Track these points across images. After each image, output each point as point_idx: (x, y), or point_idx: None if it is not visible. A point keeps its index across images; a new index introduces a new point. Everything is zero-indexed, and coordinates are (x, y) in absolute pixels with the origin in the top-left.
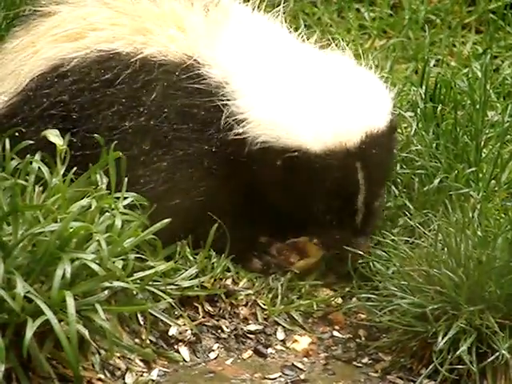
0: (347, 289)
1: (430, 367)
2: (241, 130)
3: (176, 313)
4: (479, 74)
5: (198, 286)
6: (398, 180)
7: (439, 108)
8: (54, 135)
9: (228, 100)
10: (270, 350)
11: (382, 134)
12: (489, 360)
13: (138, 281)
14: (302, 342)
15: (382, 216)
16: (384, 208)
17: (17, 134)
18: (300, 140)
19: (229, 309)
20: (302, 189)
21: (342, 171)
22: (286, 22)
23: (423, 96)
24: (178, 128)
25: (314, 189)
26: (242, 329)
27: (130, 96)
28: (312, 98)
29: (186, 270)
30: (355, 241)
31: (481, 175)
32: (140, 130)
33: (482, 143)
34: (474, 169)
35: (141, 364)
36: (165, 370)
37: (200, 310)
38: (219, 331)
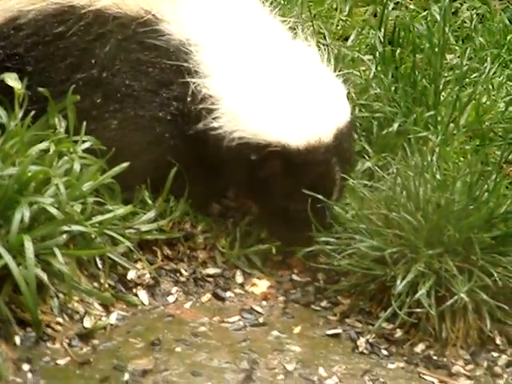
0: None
1: (389, 310)
2: (214, 124)
3: (135, 256)
4: (438, 17)
5: (156, 230)
6: (357, 124)
7: (398, 51)
8: (12, 79)
9: (195, 72)
10: (228, 294)
11: (347, 128)
12: (447, 303)
13: (97, 224)
14: (261, 285)
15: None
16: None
17: None
18: (280, 135)
19: (187, 252)
20: (277, 184)
21: (322, 167)
22: None
23: (382, 39)
24: (130, 84)
25: (290, 186)
26: (200, 272)
27: (83, 48)
28: (287, 90)
29: (145, 214)
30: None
31: (439, 118)
32: (91, 81)
33: (441, 86)
34: (432, 112)
35: (99, 308)
36: (123, 313)
37: (159, 253)
38: (178, 275)
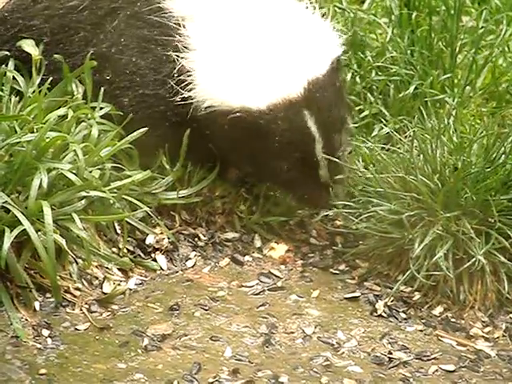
0: None
1: (407, 273)
2: (187, 95)
3: (153, 222)
4: None
5: (174, 195)
6: (374, 87)
7: (414, 14)
8: (29, 45)
9: (184, 47)
10: (246, 258)
11: (327, 77)
12: (465, 266)
13: (115, 190)
14: (279, 249)
15: (349, 166)
16: (350, 158)
17: None
18: (242, 100)
19: (206, 217)
20: (255, 149)
21: (289, 123)
22: None
23: (398, 2)
24: (137, 62)
25: (267, 147)
26: (219, 237)
27: (95, 23)
28: (254, 54)
29: (163, 179)
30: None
31: (456, 81)
32: (102, 56)
33: (457, 49)
34: (449, 75)
35: (118, 273)
36: (142, 278)
37: (177, 218)
38: (196, 239)
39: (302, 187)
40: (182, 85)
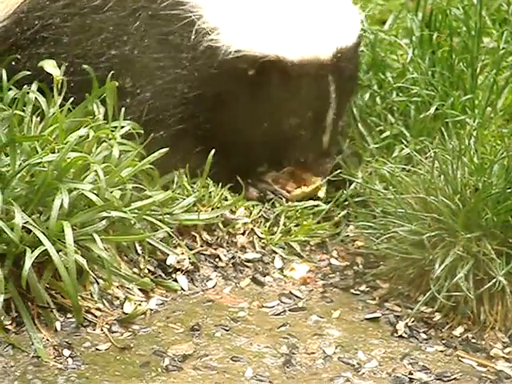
0: (343, 215)
1: (428, 294)
2: (213, 38)
3: (174, 242)
4: (475, 0)
5: (195, 216)
6: (394, 108)
7: (435, 35)
8: (51, 66)
9: (199, 10)
10: (267, 279)
11: (352, 50)
12: (486, 287)
13: (136, 210)
14: (300, 269)
15: (344, 138)
16: (346, 130)
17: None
18: (276, 48)
19: (226, 237)
20: (274, 100)
21: (316, 82)
22: None
23: (419, 23)
24: (157, 57)
25: (286, 100)
26: (239, 257)
27: (118, 24)
28: (287, 10)
29: (184, 200)
30: (321, 161)
31: (477, 102)
32: (124, 58)
33: (478, 70)
34: (469, 96)
35: (139, 293)
36: (163, 298)
37: (198, 238)
38: (217, 260)
39: (304, 150)
40: (207, 32)
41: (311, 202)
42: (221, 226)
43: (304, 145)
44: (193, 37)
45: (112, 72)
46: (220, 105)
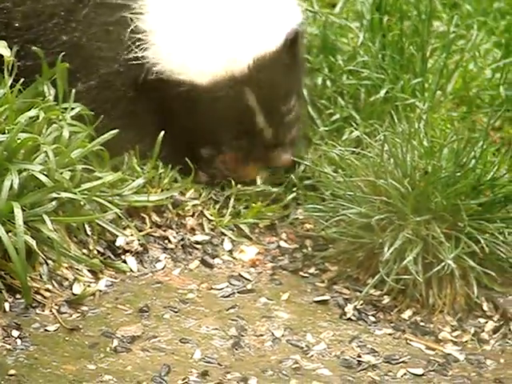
0: (292, 198)
1: (377, 277)
2: (140, 54)
3: (123, 223)
4: None
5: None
6: (344, 91)
7: (385, 19)
8: (1, 46)
9: (136, 13)
10: (216, 261)
11: (277, 54)
12: (434, 270)
13: (86, 191)
14: (249, 252)
15: (302, 126)
16: (303, 118)
17: None
18: (189, 74)
19: (176, 219)
20: (202, 120)
21: (230, 101)
22: None
23: (369, 6)
24: (101, 47)
25: (212, 121)
26: (188, 239)
27: (68, 10)
28: (206, 27)
29: (134, 181)
30: (277, 154)
31: (427, 86)
32: (74, 44)
33: (428, 54)
34: (419, 79)
35: (88, 274)
36: (112, 280)
37: (147, 220)
38: (166, 241)
39: (255, 150)
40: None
41: (261, 186)
42: (170, 207)
43: (250, 147)
44: (128, 34)
45: (63, 53)
46: (156, 106)
